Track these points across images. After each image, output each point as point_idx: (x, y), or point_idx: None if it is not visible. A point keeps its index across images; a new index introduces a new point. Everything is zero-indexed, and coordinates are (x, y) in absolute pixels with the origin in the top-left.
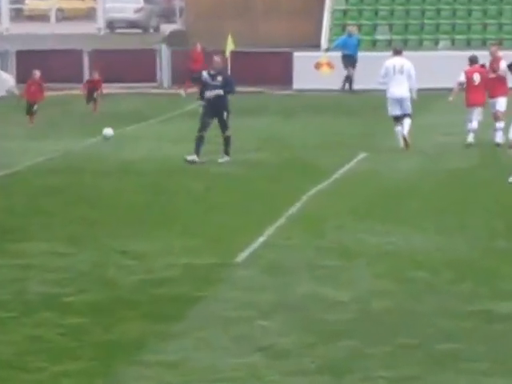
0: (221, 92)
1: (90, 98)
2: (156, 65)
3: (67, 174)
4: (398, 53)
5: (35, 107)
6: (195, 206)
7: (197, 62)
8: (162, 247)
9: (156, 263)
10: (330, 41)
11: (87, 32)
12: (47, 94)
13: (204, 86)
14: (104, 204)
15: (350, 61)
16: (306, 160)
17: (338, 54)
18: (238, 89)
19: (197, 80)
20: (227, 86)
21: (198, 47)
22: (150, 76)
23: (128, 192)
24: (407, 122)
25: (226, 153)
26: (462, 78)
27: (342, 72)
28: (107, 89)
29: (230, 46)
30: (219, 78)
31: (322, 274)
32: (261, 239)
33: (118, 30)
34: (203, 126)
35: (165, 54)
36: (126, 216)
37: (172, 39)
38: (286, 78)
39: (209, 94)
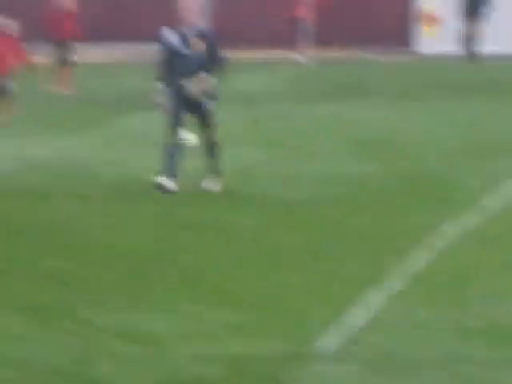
0: (203, 68)
1: (60, 59)
2: None
3: (14, 195)
4: None
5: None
6: (241, 253)
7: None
8: (187, 326)
9: (177, 353)
10: None
11: None
12: None
13: (170, 57)
14: (82, 247)
15: (473, 12)
16: (440, 176)
17: None
18: (319, 53)
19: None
20: (213, 56)
21: None
22: None
23: (122, 225)
24: None
25: (215, 170)
26: None
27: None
28: (92, 53)
29: None
30: (196, 42)
31: (470, 372)
32: (359, 313)
33: None
34: (174, 128)
35: None
36: (120, 270)
37: None
38: (400, 34)
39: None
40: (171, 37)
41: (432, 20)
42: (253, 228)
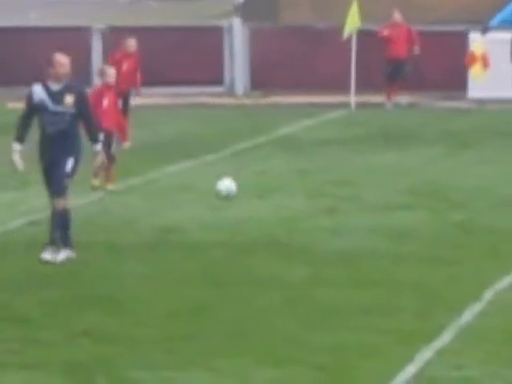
0: (70, 127)
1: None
2: (222, 54)
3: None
4: None
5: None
6: (289, 307)
7: (396, 45)
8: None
9: None
10: None
11: None
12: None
13: (37, 114)
14: (117, 300)
15: None
16: (495, 226)
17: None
18: (366, 98)
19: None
20: (82, 114)
21: (397, 17)
22: (213, 75)
23: (162, 278)
24: None
25: (64, 241)
26: None
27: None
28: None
29: (352, 22)
30: (68, 99)
31: None
32: (411, 369)
33: None
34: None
35: (238, 35)
36: (158, 325)
37: (250, 9)
38: (455, 80)
39: (51, 129)
40: (40, 92)
41: (487, 61)
42: (302, 281)
